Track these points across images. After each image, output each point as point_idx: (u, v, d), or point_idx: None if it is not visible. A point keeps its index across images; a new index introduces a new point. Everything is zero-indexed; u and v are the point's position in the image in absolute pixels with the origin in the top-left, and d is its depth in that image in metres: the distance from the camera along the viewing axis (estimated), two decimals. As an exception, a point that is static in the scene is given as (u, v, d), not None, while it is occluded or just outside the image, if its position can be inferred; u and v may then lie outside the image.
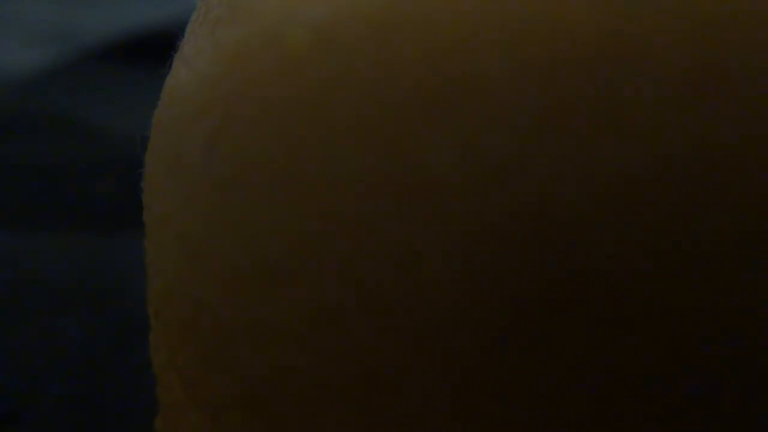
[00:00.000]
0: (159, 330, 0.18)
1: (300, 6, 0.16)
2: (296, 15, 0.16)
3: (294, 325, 0.16)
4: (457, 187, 0.15)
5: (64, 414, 0.29)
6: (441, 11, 0.15)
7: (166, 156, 0.18)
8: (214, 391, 0.17)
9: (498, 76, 0.15)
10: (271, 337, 0.16)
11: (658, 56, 0.15)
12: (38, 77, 0.53)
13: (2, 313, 0.34)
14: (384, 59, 0.15)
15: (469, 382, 0.15)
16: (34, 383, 0.30)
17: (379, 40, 0.16)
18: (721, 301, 0.15)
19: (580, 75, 0.15)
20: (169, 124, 0.18)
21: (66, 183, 0.43)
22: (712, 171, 0.14)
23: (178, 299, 0.17)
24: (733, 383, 0.15)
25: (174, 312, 0.17)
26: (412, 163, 0.15)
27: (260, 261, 0.16)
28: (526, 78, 0.15)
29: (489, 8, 0.15)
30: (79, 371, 0.31)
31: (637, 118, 0.15)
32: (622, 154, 0.15)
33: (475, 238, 0.15)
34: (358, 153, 0.15)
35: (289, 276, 0.16)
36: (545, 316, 0.15)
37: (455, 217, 0.15)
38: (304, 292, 0.16)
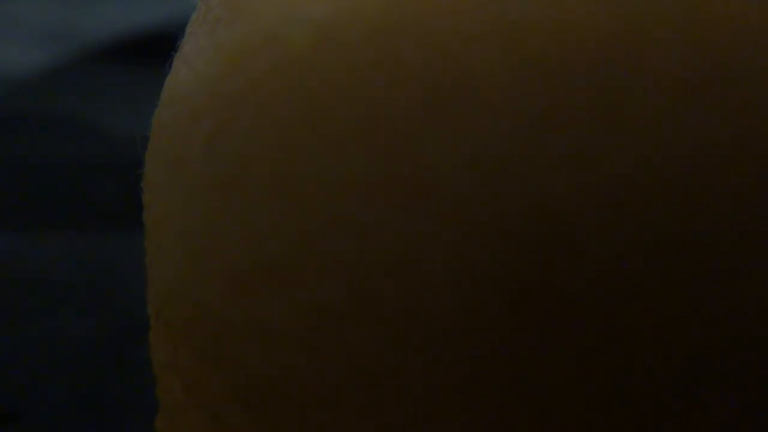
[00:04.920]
0: (159, 330, 0.18)
1: (300, 6, 0.16)
2: (296, 15, 0.16)
3: (294, 325, 0.16)
4: (457, 187, 0.15)
5: (64, 414, 0.29)
6: (441, 11, 0.15)
7: (166, 156, 0.18)
8: (214, 391, 0.17)
9: (498, 77, 0.15)
10: (271, 337, 0.16)
11: (658, 56, 0.15)
12: (38, 77, 0.53)
13: (2, 313, 0.34)
14: (384, 59, 0.15)
15: (470, 382, 0.15)
16: (34, 383, 0.30)
17: (379, 40, 0.16)
18: (721, 301, 0.15)
19: (580, 75, 0.15)
20: (169, 124, 0.18)
21: (66, 183, 0.43)
22: (712, 171, 0.14)
23: (178, 299, 0.17)
24: (734, 383, 0.15)
25: (174, 312, 0.17)
26: (412, 164, 0.15)
27: (260, 261, 0.16)
28: (526, 78, 0.15)
29: (489, 8, 0.15)
30: (79, 371, 0.31)
31: (637, 118, 0.15)
32: (621, 154, 0.15)
33: (476, 238, 0.15)
34: (358, 153, 0.15)
35: (289, 276, 0.16)
36: (546, 315, 0.15)
37: (455, 217, 0.15)
38: (304, 292, 0.16)
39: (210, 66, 0.17)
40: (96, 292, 0.35)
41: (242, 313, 0.16)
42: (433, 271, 0.15)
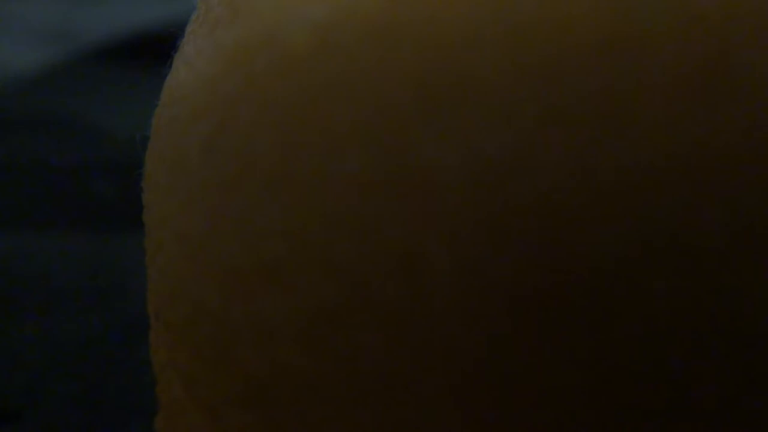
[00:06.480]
0: (159, 330, 0.18)
1: (300, 6, 0.16)
2: (296, 15, 0.16)
3: (294, 325, 0.16)
4: (458, 186, 0.15)
5: (64, 414, 0.29)
6: (441, 11, 0.15)
7: (166, 156, 0.18)
8: (214, 391, 0.17)
9: (498, 76, 0.15)
10: (271, 337, 0.16)
11: (659, 55, 0.15)
12: (38, 77, 0.53)
13: (2, 313, 0.34)
14: (384, 59, 0.15)
15: (470, 381, 0.15)
16: (34, 383, 0.30)
17: (378, 40, 0.16)
18: (722, 299, 0.15)
19: (580, 74, 0.15)
20: (169, 124, 0.18)
21: (66, 183, 0.43)
22: (713, 170, 0.14)
23: (178, 299, 0.17)
24: (734, 382, 0.15)
25: (174, 312, 0.17)
26: (412, 163, 0.15)
27: (260, 261, 0.16)
28: (526, 78, 0.15)
29: (489, 8, 0.15)
30: (79, 371, 0.31)
31: (638, 118, 0.15)
32: (622, 154, 0.15)
33: (476, 237, 0.15)
34: (357, 153, 0.15)
35: (289, 276, 0.16)
36: (546, 314, 0.15)
37: (455, 216, 0.15)
38: (304, 292, 0.16)
39: (210, 66, 0.17)
40: (96, 292, 0.35)
41: (242, 313, 0.16)
42: (433, 271, 0.15)
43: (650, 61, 0.15)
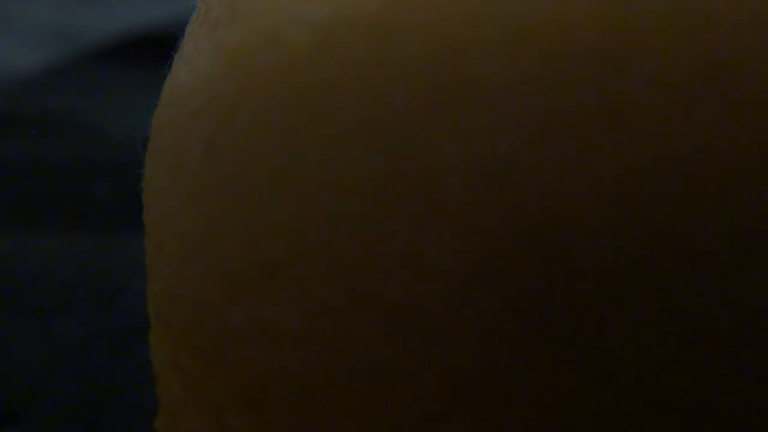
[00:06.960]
0: (159, 330, 0.18)
1: (300, 6, 0.16)
2: (296, 15, 0.16)
3: (294, 325, 0.16)
4: (459, 187, 0.15)
5: (64, 414, 0.29)
6: (441, 11, 0.15)
7: (166, 156, 0.18)
8: (214, 391, 0.17)
9: (498, 77, 0.15)
10: (271, 337, 0.16)
11: (659, 57, 0.15)
12: (38, 77, 0.53)
13: (2, 313, 0.34)
14: (384, 59, 0.15)
15: (470, 382, 0.15)
16: (34, 383, 0.30)
17: (379, 40, 0.16)
18: (722, 301, 0.15)
19: (580, 76, 0.15)
20: (169, 124, 0.18)
21: (66, 183, 0.43)
22: (713, 172, 0.14)
23: (178, 299, 0.17)
24: (736, 383, 0.15)
25: (174, 312, 0.17)
26: (413, 164, 0.15)
27: (260, 261, 0.16)
28: (527, 79, 0.15)
29: (489, 9, 0.15)
30: (79, 371, 0.31)
31: (638, 119, 0.15)
32: (623, 155, 0.15)
33: (477, 238, 0.15)
34: (358, 153, 0.15)
35: (289, 276, 0.16)
36: (547, 315, 0.15)
37: (456, 217, 0.15)
38: (304, 292, 0.16)
39: (210, 66, 0.17)
40: (96, 292, 0.35)
41: (242, 313, 0.16)
42: (435, 271, 0.15)
43: (652, 63, 0.15)
